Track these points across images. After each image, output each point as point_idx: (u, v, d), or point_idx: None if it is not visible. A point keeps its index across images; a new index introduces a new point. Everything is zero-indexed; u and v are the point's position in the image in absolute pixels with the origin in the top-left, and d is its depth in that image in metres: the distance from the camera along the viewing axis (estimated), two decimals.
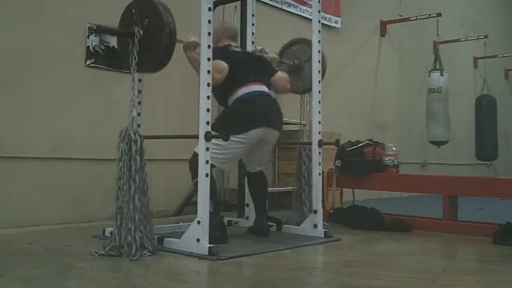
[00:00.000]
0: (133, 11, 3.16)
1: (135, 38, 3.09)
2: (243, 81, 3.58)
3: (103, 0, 4.55)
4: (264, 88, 3.67)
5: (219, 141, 3.31)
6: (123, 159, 3.02)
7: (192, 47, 3.42)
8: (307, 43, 4.18)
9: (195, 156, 3.43)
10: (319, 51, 3.89)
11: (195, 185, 3.32)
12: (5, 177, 3.96)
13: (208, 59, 3.11)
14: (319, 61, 3.89)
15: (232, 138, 3.37)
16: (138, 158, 3.01)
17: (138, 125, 3.18)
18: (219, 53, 3.40)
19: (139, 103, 3.26)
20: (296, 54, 4.30)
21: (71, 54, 4.38)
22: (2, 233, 3.63)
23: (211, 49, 3.13)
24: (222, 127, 3.42)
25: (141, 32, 3.10)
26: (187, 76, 4.92)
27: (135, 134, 3.04)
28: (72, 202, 4.31)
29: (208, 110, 3.07)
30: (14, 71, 4.05)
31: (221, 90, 3.51)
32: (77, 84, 4.39)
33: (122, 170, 3.00)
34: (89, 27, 4.47)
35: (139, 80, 3.32)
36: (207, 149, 3.05)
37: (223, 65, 3.45)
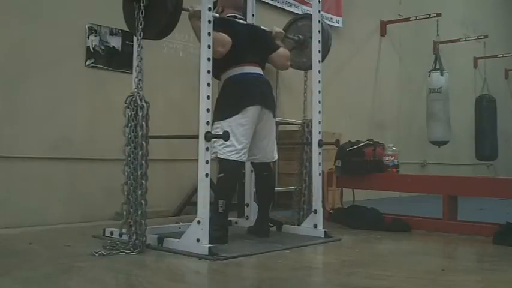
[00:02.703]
0: None
1: (141, 2, 3.08)
2: (239, 60, 3.56)
3: (103, 0, 4.55)
4: (259, 70, 3.66)
5: (222, 129, 3.33)
6: (129, 125, 3.05)
7: (197, 16, 3.33)
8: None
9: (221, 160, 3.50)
10: (319, 51, 3.88)
11: (218, 180, 3.41)
12: (4, 177, 3.96)
13: (208, 59, 3.11)
14: (319, 61, 3.89)
15: (232, 122, 3.40)
16: (144, 124, 3.05)
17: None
18: (224, 24, 3.37)
19: (139, 65, 3.20)
20: (301, 30, 4.25)
21: (71, 54, 4.38)
22: (2, 233, 3.63)
23: (211, 49, 3.13)
24: (220, 112, 3.47)
25: None
26: (187, 76, 4.94)
27: (141, 100, 3.06)
28: (72, 202, 4.31)
29: (208, 110, 3.07)
30: (14, 71, 4.05)
31: (217, 64, 3.44)
32: (77, 84, 4.39)
33: (129, 136, 3.04)
34: (88, 27, 4.47)
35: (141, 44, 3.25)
36: (207, 149, 3.05)
37: (227, 39, 3.44)
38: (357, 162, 4.66)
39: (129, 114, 3.06)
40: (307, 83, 4.27)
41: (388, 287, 2.48)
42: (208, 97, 3.07)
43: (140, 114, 3.05)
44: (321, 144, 3.86)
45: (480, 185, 4.32)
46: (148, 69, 3.24)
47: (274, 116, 3.75)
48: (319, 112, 3.86)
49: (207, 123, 3.06)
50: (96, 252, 2.92)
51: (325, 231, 3.73)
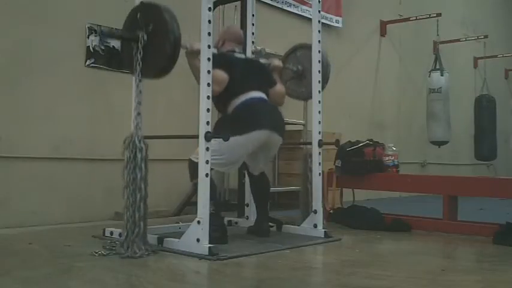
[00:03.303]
0: (139, 15, 3.11)
1: (139, 43, 3.05)
2: (242, 90, 3.54)
3: (103, 0, 4.56)
4: (263, 95, 3.64)
5: (219, 146, 3.29)
6: (128, 167, 2.97)
7: (195, 54, 3.35)
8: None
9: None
10: (319, 51, 3.88)
11: (195, 185, 3.35)
12: (5, 177, 3.96)
13: (208, 59, 3.10)
14: (319, 61, 3.89)
15: (233, 140, 3.33)
16: (143, 166, 2.98)
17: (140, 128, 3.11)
18: (221, 59, 3.35)
19: (139, 103, 3.15)
20: (300, 60, 4.25)
21: (71, 54, 4.39)
22: (2, 233, 3.63)
23: (211, 49, 3.12)
24: (223, 129, 3.39)
25: (145, 37, 3.06)
26: (187, 76, 4.94)
27: (140, 142, 3.00)
28: (72, 202, 4.32)
29: (208, 110, 3.07)
30: (14, 71, 4.05)
31: (220, 98, 3.46)
32: (77, 84, 4.39)
33: (128, 178, 2.96)
34: (88, 27, 4.48)
35: (140, 81, 3.24)
36: (207, 149, 3.05)
37: (223, 77, 3.41)
38: (357, 162, 4.65)
39: (128, 156, 2.98)
40: None
41: (388, 287, 2.48)
42: (208, 97, 3.07)
43: (139, 156, 2.97)
44: (321, 144, 3.86)
45: (480, 185, 4.32)
46: None
47: (283, 137, 3.69)
48: (319, 112, 3.86)
49: (207, 123, 3.06)
50: (96, 252, 2.92)
51: (325, 231, 3.73)
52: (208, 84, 3.08)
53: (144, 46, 3.06)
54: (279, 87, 3.83)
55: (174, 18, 3.07)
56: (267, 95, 3.69)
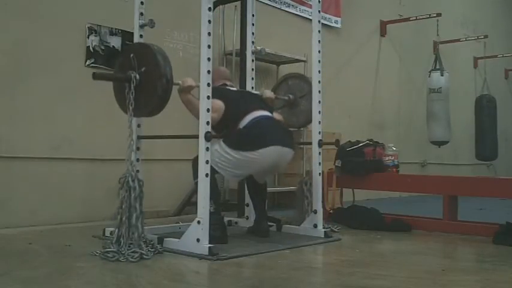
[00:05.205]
0: (132, 55, 3.13)
1: (132, 83, 3.07)
2: (246, 111, 3.56)
3: (103, 0, 4.55)
4: (267, 112, 3.66)
5: (237, 160, 3.37)
6: (123, 206, 2.95)
7: (187, 91, 3.40)
8: (304, 79, 4.25)
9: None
10: (319, 51, 3.89)
11: (196, 184, 3.36)
12: (5, 177, 3.96)
13: (208, 59, 3.11)
14: (319, 61, 3.89)
15: (247, 156, 3.39)
16: (137, 205, 2.96)
17: (137, 171, 3.14)
18: (216, 92, 3.31)
19: (132, 140, 3.16)
20: (292, 89, 4.31)
21: (71, 54, 4.38)
22: (2, 233, 3.63)
23: (211, 49, 3.13)
24: (232, 142, 3.41)
25: (138, 77, 3.08)
26: (187, 76, 4.94)
27: (133, 181, 2.98)
28: (72, 202, 4.32)
29: (208, 110, 3.07)
30: (14, 71, 4.05)
31: (226, 124, 3.46)
32: (77, 84, 4.39)
33: (122, 218, 2.93)
34: (88, 27, 4.48)
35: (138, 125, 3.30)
36: (207, 149, 3.06)
37: (219, 104, 3.43)
38: (357, 162, 4.66)
39: (123, 195, 2.97)
40: None
41: (388, 287, 2.48)
42: (208, 97, 3.08)
43: (132, 195, 2.95)
44: (321, 144, 3.86)
45: (480, 185, 4.32)
46: None
47: (293, 149, 3.70)
48: (319, 112, 3.87)
49: (207, 123, 3.06)
50: (96, 252, 2.92)
51: (325, 231, 3.73)
52: (208, 84, 3.09)
53: (136, 86, 3.07)
54: (276, 115, 3.89)
55: (167, 59, 3.08)
56: (271, 111, 3.74)
